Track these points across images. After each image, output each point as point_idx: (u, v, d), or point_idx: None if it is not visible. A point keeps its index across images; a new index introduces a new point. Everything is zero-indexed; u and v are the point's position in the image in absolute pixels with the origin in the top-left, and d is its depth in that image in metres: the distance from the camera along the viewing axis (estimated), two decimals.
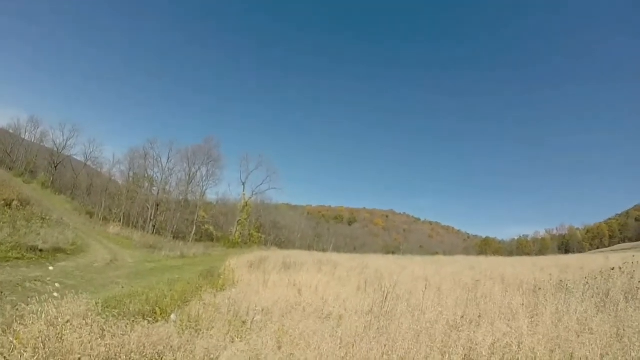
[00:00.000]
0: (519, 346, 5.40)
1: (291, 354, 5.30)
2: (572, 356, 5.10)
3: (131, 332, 5.30)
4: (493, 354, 5.24)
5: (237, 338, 5.90)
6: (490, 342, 5.45)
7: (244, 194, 62.16)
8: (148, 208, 54.77)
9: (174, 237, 49.11)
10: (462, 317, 7.04)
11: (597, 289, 8.66)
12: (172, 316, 7.12)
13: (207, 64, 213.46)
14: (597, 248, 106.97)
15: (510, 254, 55.17)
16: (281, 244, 64.52)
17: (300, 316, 7.79)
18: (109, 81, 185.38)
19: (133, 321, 5.79)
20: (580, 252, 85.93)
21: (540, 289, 9.38)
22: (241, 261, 21.25)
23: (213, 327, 6.59)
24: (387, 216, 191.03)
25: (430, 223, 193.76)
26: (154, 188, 59.38)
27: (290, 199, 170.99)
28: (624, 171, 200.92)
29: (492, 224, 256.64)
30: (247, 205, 61.24)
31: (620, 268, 9.73)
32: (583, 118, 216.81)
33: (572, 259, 24.18)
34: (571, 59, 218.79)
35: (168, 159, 58.85)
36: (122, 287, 10.98)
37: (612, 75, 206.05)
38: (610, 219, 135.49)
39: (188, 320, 6.98)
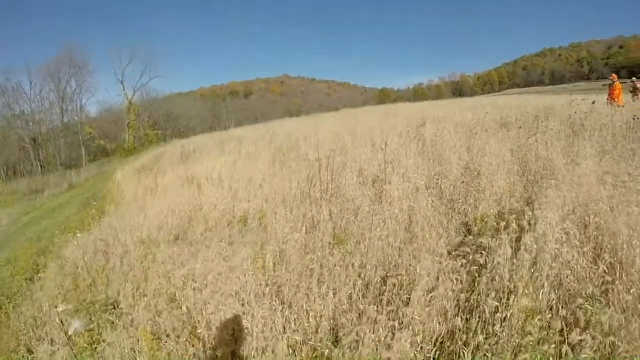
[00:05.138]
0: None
1: None
2: None
3: None
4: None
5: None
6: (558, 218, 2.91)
7: (126, 94, 54.07)
8: (28, 148, 46.39)
9: (66, 169, 42.22)
10: (462, 181, 4.44)
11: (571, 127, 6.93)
12: None
13: None
14: (488, 93, 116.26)
15: (409, 101, 56.35)
16: (181, 135, 59.15)
17: (203, 233, 4.71)
18: None
19: None
20: (473, 96, 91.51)
21: (507, 129, 7.27)
22: (130, 168, 17.44)
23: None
24: (282, 82, 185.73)
25: (327, 82, 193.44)
26: (30, 123, 49.51)
27: (181, 87, 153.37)
28: (512, 22, 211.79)
29: (387, 75, 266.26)
30: (132, 105, 53.92)
31: (580, 103, 8.14)
32: None
33: (493, 100, 23.46)
34: None
35: (31, 84, 48.50)
36: None
37: None
38: (499, 67, 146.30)
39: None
